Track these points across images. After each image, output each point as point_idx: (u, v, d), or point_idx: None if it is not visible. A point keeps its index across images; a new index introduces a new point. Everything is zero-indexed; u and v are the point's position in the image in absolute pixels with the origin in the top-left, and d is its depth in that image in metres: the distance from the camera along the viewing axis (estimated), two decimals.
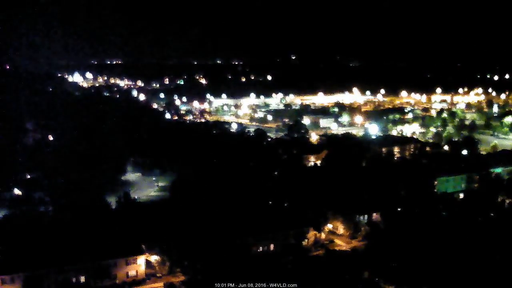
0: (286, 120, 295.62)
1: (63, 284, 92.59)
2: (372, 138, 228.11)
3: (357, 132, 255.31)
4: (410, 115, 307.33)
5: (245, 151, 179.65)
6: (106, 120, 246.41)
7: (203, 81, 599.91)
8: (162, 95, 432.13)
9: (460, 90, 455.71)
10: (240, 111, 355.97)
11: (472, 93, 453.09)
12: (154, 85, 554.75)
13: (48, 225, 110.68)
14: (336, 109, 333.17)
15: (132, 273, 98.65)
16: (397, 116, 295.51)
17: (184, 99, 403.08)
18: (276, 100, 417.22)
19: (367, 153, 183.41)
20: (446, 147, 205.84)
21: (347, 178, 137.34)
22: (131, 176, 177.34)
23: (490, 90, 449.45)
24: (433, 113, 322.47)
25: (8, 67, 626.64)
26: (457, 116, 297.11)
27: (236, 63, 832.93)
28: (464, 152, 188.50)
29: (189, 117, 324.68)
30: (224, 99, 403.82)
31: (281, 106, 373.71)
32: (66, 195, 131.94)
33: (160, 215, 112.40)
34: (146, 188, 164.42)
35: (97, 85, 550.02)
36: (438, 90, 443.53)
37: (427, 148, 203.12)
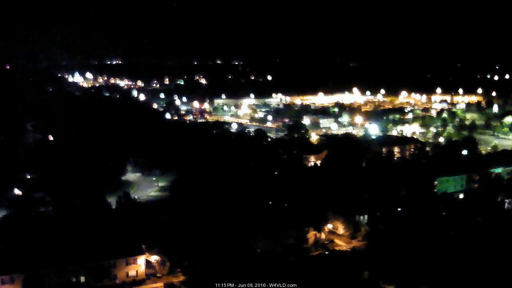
0: (286, 120, 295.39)
1: (63, 284, 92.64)
2: (372, 138, 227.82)
3: (357, 132, 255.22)
4: (410, 115, 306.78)
5: (245, 151, 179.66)
6: (106, 120, 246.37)
7: (203, 81, 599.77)
8: (162, 95, 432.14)
9: (460, 90, 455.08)
10: (240, 111, 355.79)
11: (472, 93, 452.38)
12: (154, 85, 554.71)
13: (48, 225, 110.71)
14: (336, 109, 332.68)
15: (132, 273, 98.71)
16: (397, 116, 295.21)
17: (184, 99, 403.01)
18: (276, 100, 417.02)
19: (367, 153, 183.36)
20: (446, 147, 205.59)
21: (347, 178, 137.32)
22: (131, 176, 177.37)
23: (490, 90, 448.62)
24: (433, 113, 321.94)
25: (8, 67, 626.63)
26: (457, 116, 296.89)
27: (236, 63, 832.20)
28: (464, 152, 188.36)
29: (189, 117, 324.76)
30: (224, 99, 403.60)
31: (281, 106, 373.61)
32: (66, 195, 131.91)
33: (160, 215, 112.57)
34: (146, 188, 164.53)
35: (97, 85, 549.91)
36: (438, 90, 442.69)
37: (427, 148, 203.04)
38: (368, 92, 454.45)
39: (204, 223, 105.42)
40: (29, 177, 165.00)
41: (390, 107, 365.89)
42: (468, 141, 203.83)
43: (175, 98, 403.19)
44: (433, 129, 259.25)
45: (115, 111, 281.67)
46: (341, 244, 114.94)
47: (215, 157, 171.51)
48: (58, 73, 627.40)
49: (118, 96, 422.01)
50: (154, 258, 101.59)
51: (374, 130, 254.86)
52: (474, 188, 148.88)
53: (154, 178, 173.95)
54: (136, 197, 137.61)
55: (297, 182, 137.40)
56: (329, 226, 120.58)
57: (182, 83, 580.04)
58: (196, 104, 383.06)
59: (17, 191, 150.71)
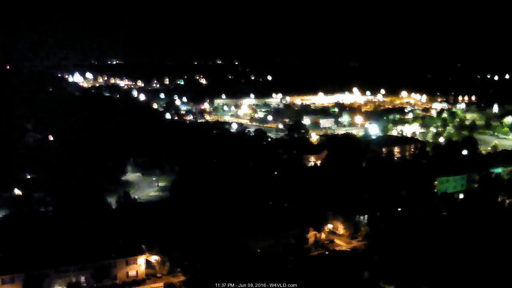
0: (286, 120, 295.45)
1: (63, 284, 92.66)
2: (372, 138, 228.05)
3: (357, 132, 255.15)
4: (410, 115, 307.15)
5: (245, 151, 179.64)
6: (106, 120, 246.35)
7: (203, 81, 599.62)
8: (162, 95, 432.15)
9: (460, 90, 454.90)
10: (240, 111, 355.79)
11: (472, 93, 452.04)
12: (154, 85, 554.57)
13: (48, 225, 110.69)
14: (336, 109, 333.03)
15: (132, 273, 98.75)
16: (397, 116, 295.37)
17: (184, 99, 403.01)
18: (276, 100, 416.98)
19: (367, 153, 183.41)
20: (446, 147, 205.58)
21: (347, 178, 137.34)
22: (131, 176, 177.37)
23: (490, 90, 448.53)
24: (433, 113, 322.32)
25: (8, 67, 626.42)
26: (457, 116, 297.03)
27: (236, 63, 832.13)
28: (464, 152, 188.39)
29: (189, 117, 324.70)
30: (224, 99, 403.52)
31: (281, 106, 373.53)
32: (66, 195, 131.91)
33: (160, 215, 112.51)
34: (146, 188, 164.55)
35: (97, 85, 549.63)
36: (438, 90, 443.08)
37: (427, 148, 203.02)
38: (368, 92, 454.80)
39: (204, 223, 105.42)
40: (29, 177, 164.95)
41: (390, 107, 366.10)
42: (468, 141, 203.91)
43: (175, 98, 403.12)
44: (433, 129, 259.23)
45: (115, 111, 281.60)
46: (341, 244, 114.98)
47: (215, 157, 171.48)
48: (58, 73, 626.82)
49: (118, 96, 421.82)
50: (154, 258, 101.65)
51: (374, 130, 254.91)
52: (474, 188, 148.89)
53: (154, 178, 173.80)
54: (136, 197, 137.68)
55: (297, 182, 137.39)
56: (329, 226, 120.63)
57: (182, 83, 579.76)
58: (196, 104, 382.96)
59: (17, 191, 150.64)
